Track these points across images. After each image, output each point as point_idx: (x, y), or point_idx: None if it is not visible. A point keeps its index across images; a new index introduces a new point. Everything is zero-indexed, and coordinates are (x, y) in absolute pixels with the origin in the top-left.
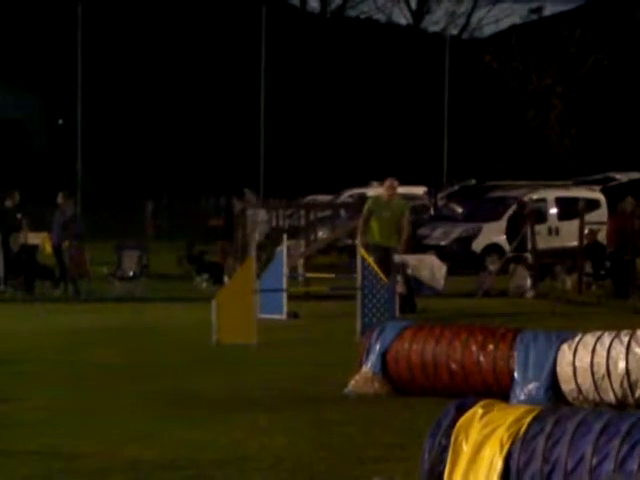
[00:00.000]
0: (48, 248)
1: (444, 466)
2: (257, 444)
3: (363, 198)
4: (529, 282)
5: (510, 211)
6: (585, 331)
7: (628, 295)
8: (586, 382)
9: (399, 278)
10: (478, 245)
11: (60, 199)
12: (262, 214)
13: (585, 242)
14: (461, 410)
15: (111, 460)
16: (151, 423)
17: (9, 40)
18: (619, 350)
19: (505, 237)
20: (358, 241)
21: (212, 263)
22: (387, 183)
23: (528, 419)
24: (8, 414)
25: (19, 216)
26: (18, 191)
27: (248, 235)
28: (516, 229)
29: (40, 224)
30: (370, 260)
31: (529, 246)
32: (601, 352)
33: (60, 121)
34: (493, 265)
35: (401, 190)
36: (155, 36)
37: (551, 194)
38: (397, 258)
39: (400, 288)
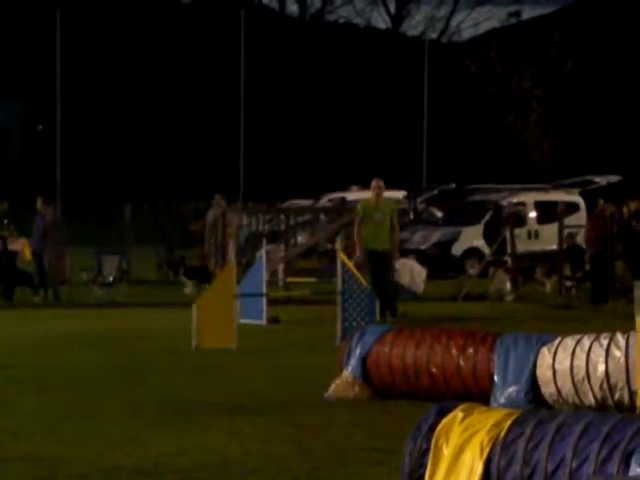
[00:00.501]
0: (28, 254)
1: (424, 470)
2: (238, 449)
3: (343, 202)
4: (509, 285)
5: (488, 215)
6: (565, 334)
7: (607, 298)
8: (566, 385)
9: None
10: (458, 249)
11: (39, 205)
12: (240, 219)
13: (564, 245)
14: (441, 414)
15: (91, 466)
16: (132, 429)
17: None
18: (599, 353)
19: (484, 241)
20: (358, 246)
21: (200, 267)
22: (373, 184)
23: (508, 422)
24: None
25: (5, 222)
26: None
27: (227, 240)
28: (494, 233)
29: (20, 230)
30: (350, 265)
31: (509, 249)
32: (581, 355)
33: (39, 127)
34: (473, 269)
35: None
36: (134, 42)
37: (530, 198)
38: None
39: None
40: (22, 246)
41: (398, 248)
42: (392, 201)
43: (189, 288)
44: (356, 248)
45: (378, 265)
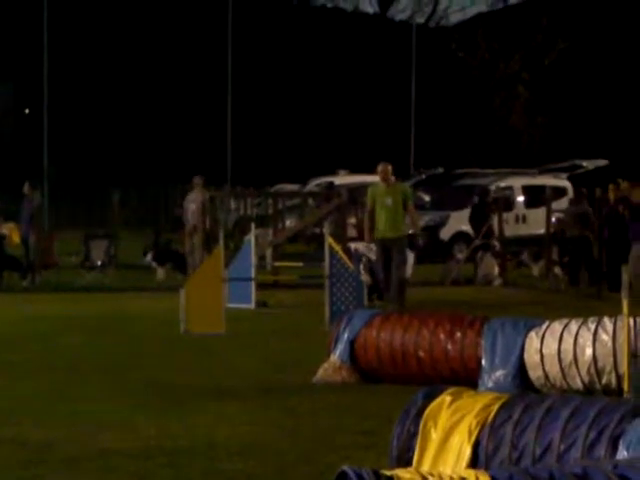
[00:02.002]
0: (16, 238)
1: (413, 453)
2: (227, 432)
3: (331, 186)
4: (497, 270)
5: (475, 199)
6: (552, 319)
7: (579, 282)
8: (553, 369)
9: (361, 267)
10: (445, 233)
11: (26, 189)
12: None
13: (552, 230)
14: (429, 397)
15: (81, 449)
16: (121, 412)
17: None
18: (586, 337)
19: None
20: (366, 234)
21: (175, 252)
22: (380, 168)
23: (496, 406)
24: None
25: None
26: None
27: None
28: (480, 217)
29: (8, 214)
30: (338, 248)
31: (496, 234)
32: (568, 339)
33: (26, 110)
34: (461, 253)
35: (368, 179)
36: (121, 25)
37: (518, 182)
38: (358, 248)
39: (364, 277)
40: (10, 230)
41: (420, 228)
42: (405, 185)
43: (160, 274)
44: (365, 234)
45: (389, 255)
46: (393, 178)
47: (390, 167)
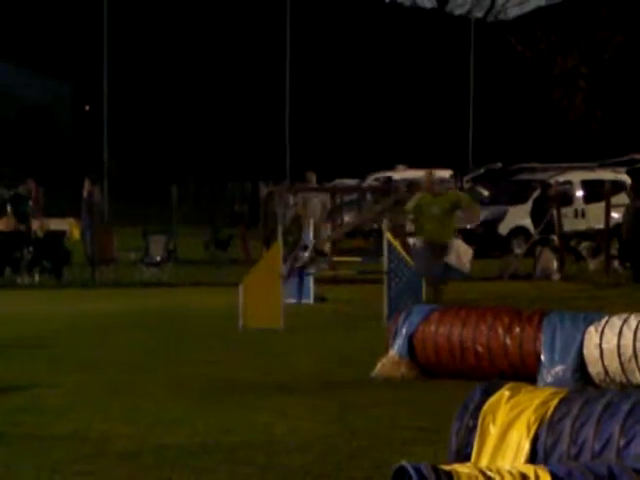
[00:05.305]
0: (76, 234)
1: (471, 448)
2: (284, 428)
3: (389, 181)
4: (555, 265)
5: (535, 194)
6: (612, 313)
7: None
8: (613, 364)
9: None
10: (504, 228)
11: (86, 185)
12: (287, 198)
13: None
14: (488, 393)
15: (140, 444)
16: (179, 408)
17: (36, 26)
18: None
19: (530, 220)
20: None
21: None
22: (424, 178)
23: (555, 401)
24: (37, 398)
25: (30, 203)
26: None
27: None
28: (542, 212)
29: (67, 210)
30: (396, 243)
31: (556, 229)
32: (628, 334)
33: (87, 107)
34: (519, 248)
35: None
36: (179, 21)
37: (577, 176)
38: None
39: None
40: (70, 225)
41: (475, 223)
42: (454, 193)
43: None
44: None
45: (435, 256)
46: (438, 187)
47: (434, 175)
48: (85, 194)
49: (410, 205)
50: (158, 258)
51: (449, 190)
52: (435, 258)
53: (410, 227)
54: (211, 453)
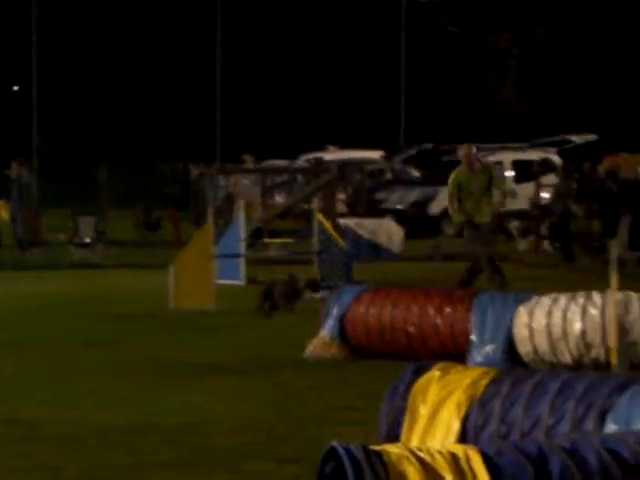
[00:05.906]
0: (5, 216)
1: (402, 428)
2: (219, 408)
3: (320, 162)
4: None
5: None
6: (541, 293)
7: (573, 257)
8: (542, 344)
9: None
10: (435, 209)
11: (14, 167)
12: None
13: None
14: (418, 373)
15: (77, 427)
16: (117, 389)
17: None
18: (575, 312)
19: None
20: (455, 216)
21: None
22: (463, 152)
23: (485, 381)
24: None
25: None
26: None
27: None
28: None
29: None
30: (327, 225)
31: None
32: (557, 314)
33: (15, 87)
34: (450, 228)
35: (358, 154)
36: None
37: (508, 156)
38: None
39: None
40: None
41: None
42: (488, 166)
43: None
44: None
45: (476, 235)
46: (478, 162)
47: (474, 149)
48: (14, 176)
49: (450, 185)
50: (87, 239)
51: (484, 165)
52: (479, 238)
53: (341, 208)
54: (149, 434)
